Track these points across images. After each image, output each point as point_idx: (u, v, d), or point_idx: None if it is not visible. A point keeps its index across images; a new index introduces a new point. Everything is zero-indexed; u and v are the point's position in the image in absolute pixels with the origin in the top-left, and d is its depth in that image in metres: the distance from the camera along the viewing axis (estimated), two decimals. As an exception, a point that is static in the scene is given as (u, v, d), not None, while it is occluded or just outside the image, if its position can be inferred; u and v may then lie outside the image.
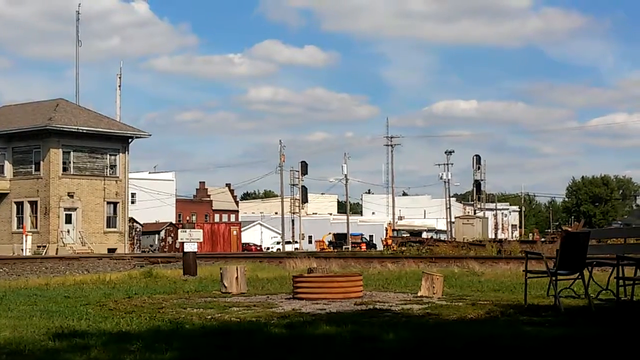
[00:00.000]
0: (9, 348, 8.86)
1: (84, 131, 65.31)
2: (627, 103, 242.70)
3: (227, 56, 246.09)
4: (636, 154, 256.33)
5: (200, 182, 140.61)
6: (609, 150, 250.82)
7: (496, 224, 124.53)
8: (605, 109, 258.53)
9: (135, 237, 76.00)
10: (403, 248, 55.07)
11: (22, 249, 61.59)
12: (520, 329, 9.98)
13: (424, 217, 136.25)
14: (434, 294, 14.75)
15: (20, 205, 65.69)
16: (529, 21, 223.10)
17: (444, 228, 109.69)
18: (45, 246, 62.76)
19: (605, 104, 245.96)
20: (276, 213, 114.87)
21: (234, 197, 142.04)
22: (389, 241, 72.08)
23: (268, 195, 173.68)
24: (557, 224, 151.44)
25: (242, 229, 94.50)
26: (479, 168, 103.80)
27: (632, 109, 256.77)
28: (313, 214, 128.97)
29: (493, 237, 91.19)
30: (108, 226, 67.77)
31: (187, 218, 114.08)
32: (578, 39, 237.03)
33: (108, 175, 67.86)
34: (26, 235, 62.64)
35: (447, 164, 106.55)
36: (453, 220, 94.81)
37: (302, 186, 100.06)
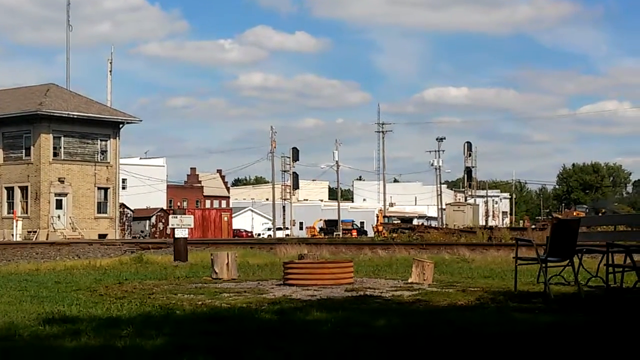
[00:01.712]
0: (-1, 333, 8.86)
1: (75, 116, 65.10)
2: (617, 91, 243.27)
3: (217, 42, 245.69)
4: (626, 142, 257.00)
5: (191, 168, 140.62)
6: (599, 137, 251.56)
7: (487, 211, 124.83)
8: (596, 97, 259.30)
9: (126, 223, 75.94)
10: (394, 235, 55.11)
11: (13, 234, 61.54)
12: (510, 315, 10.02)
13: (415, 204, 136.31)
14: (424, 280, 14.78)
15: (10, 190, 65.52)
16: (519, 8, 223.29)
17: (435, 215, 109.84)
18: (35, 231, 62.67)
19: (595, 91, 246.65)
20: (267, 199, 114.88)
21: (225, 183, 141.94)
22: (380, 228, 72.18)
23: (259, 181, 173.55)
24: (547, 211, 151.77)
25: (233, 215, 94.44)
26: (470, 155, 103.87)
27: (622, 97, 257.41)
28: (304, 200, 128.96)
29: (484, 224, 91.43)
30: (99, 212, 67.67)
31: (178, 204, 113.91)
32: (569, 26, 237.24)
33: (99, 160, 67.71)
34: (16, 221, 62.55)
35: (438, 151, 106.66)
36: (444, 207, 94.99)
37: (293, 172, 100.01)
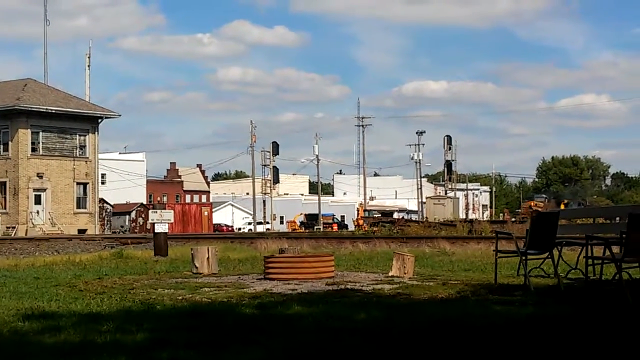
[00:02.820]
0: (-22, 330, 8.79)
1: (53, 111, 64.70)
2: (595, 84, 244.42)
3: (195, 36, 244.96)
4: (605, 135, 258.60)
5: (171, 163, 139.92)
6: (578, 130, 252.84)
7: (467, 204, 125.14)
8: (574, 90, 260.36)
9: (106, 218, 75.59)
10: (374, 228, 55.07)
11: (-9, 230, 61.16)
12: (491, 308, 10.05)
13: (395, 198, 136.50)
14: (405, 274, 14.80)
15: (-12, 186, 65.08)
16: (498, 2, 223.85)
17: (415, 208, 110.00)
18: (14, 227, 62.28)
19: (573, 84, 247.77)
20: (247, 194, 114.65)
21: (205, 178, 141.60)
22: (361, 221, 72.13)
23: (239, 175, 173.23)
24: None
25: (213, 210, 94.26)
26: (449, 148, 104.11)
27: (600, 90, 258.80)
28: (284, 194, 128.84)
29: (464, 217, 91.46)
30: (78, 207, 67.32)
31: (158, 199, 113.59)
32: (546, 20, 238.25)
33: (78, 155, 67.35)
34: (-5, 217, 62.18)
35: (418, 145, 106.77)
36: (424, 200, 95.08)
37: (274, 167, 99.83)
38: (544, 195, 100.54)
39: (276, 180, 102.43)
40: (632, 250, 11.12)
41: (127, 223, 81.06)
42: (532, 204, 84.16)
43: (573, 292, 11.84)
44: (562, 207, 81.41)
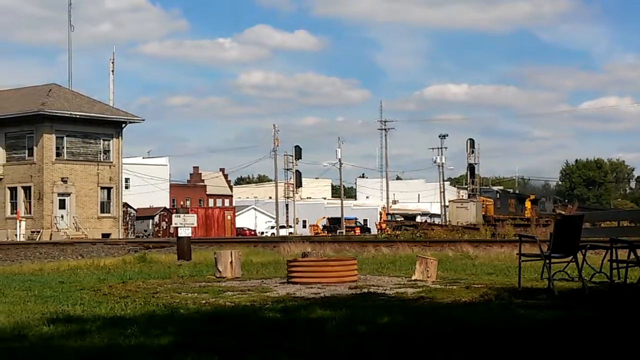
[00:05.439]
0: (4, 333, 8.86)
1: (78, 116, 65.10)
2: (618, 86, 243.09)
3: (217, 41, 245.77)
4: (628, 137, 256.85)
5: (194, 167, 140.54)
6: (600, 133, 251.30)
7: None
8: (596, 93, 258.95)
9: (129, 222, 75.97)
10: (397, 232, 55.04)
11: (16, 235, 61.58)
12: (514, 312, 10.01)
13: (418, 201, 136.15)
14: (428, 277, 14.77)
15: (13, 190, 65.56)
16: (518, 5, 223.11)
17: (438, 212, 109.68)
18: (39, 231, 62.70)
19: (596, 87, 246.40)
20: (270, 197, 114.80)
21: (228, 182, 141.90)
22: (383, 225, 72.05)
23: (262, 179, 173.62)
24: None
25: (236, 214, 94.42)
26: (472, 152, 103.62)
27: (623, 93, 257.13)
28: (307, 198, 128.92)
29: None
30: (102, 211, 67.69)
31: (181, 203, 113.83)
32: (568, 23, 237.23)
33: (102, 160, 67.73)
34: (20, 221, 62.60)
35: (441, 148, 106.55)
36: (447, 204, 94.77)
37: (296, 170, 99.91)
38: (495, 188, 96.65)
39: (299, 184, 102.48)
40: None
41: (150, 227, 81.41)
42: (481, 200, 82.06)
43: (597, 295, 11.77)
44: (528, 204, 79.66)
